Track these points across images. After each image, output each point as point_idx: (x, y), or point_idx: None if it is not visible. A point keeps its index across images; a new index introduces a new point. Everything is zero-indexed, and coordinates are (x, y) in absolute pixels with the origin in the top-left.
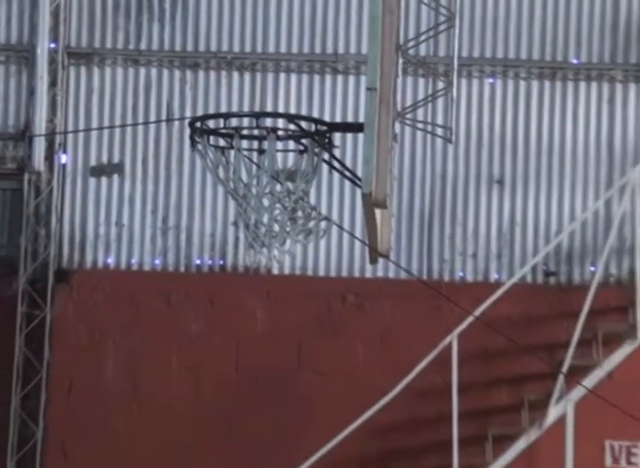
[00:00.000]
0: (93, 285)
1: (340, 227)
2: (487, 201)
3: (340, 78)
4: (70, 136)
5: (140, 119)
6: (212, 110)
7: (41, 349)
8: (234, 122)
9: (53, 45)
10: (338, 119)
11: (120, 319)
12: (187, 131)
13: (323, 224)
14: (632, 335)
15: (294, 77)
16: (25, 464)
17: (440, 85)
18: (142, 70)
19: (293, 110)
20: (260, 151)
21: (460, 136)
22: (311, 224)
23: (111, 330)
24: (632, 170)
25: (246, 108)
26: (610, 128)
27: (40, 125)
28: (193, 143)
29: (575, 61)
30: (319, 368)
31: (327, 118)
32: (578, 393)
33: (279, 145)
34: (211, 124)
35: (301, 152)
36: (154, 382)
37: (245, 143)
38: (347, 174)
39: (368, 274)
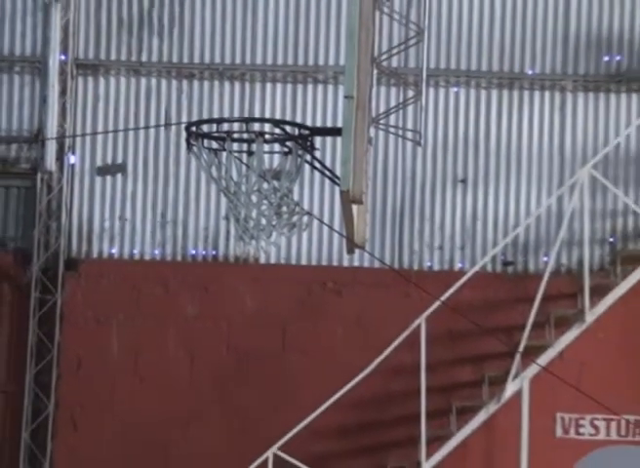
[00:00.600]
0: (99, 273)
1: (321, 221)
2: (452, 198)
3: (320, 87)
4: (79, 140)
5: (142, 124)
6: (205, 116)
7: (52, 330)
8: (226, 126)
9: (63, 57)
10: (318, 124)
11: (123, 303)
12: (184, 134)
13: (305, 219)
14: (580, 319)
15: (279, 86)
16: (38, 435)
17: (410, 93)
18: (143, 80)
19: (278, 116)
20: (249, 153)
21: (427, 139)
22: (295, 219)
23: (115, 313)
24: (581, 170)
25: (236, 114)
26: (561, 133)
27: (51, 129)
28: (189, 146)
29: (530, 72)
30: (302, 347)
31: (309, 123)
32: (532, 370)
33: (266, 148)
34: (205, 128)
35: (286, 154)
36: (154, 360)
37: (235, 146)
38: (327, 173)
39: (345, 263)
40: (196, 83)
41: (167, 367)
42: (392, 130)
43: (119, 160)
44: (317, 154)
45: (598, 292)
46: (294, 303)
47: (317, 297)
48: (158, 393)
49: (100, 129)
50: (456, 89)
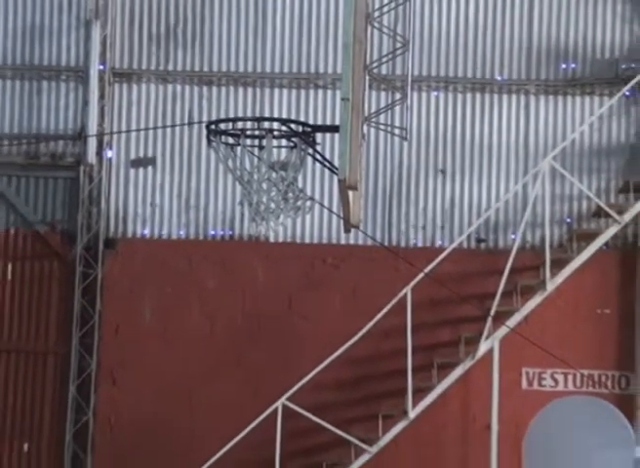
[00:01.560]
0: (133, 250)
1: (322, 205)
2: (433, 186)
3: (320, 91)
4: (115, 137)
5: (169, 123)
6: (222, 116)
7: (94, 300)
8: (240, 125)
9: (101, 67)
10: (319, 122)
11: (153, 277)
12: (204, 132)
13: (308, 203)
14: (542, 288)
15: (285, 91)
16: (83, 389)
17: (397, 96)
18: (170, 86)
19: (284, 116)
20: (260, 147)
21: (412, 135)
22: (299, 203)
23: (147, 285)
24: (542, 161)
25: (249, 114)
26: (525, 130)
27: (92, 128)
28: (209, 141)
29: (498, 78)
30: (305, 313)
31: (311, 122)
32: (501, 332)
33: (274, 143)
34: (222, 126)
35: (292, 148)
36: (179, 324)
37: (248, 141)
38: (327, 164)
39: (342, 241)
40: (215, 88)
41: (190, 330)
42: (382, 127)
43: (150, 154)
44: (318, 148)
45: (557, 265)
46: (298, 276)
47: (318, 271)
48: (183, 352)
49: (133, 127)
50: (436, 92)
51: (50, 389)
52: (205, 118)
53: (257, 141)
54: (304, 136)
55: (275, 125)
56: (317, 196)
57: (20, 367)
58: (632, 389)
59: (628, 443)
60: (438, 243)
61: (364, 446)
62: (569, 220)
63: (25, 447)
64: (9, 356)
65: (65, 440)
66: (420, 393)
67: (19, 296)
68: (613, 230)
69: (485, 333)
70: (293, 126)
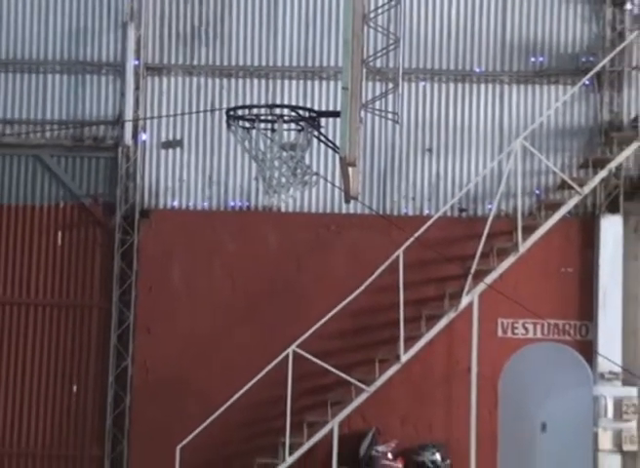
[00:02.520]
0: (164, 219)
1: (325, 179)
2: (421, 162)
3: (324, 82)
4: (148, 122)
5: (194, 110)
6: (240, 104)
7: (131, 262)
8: (255, 111)
9: (136, 62)
10: (323, 109)
11: (182, 242)
12: (224, 118)
13: (314, 178)
14: (515, 250)
15: (294, 82)
16: (122, 338)
17: (390, 86)
18: (195, 79)
19: (293, 103)
20: (272, 130)
21: (403, 119)
22: (306, 178)
23: (176, 249)
24: (515, 141)
25: (263, 102)
26: (500, 114)
27: (128, 115)
28: (229, 126)
29: (477, 70)
30: (312, 273)
31: (316, 108)
32: (480, 287)
33: (285, 126)
34: (240, 112)
35: (299, 131)
36: (205, 284)
37: (262, 125)
38: (330, 144)
39: (343, 211)
40: (233, 80)
41: (213, 287)
42: (377, 112)
43: (178, 137)
44: (322, 131)
45: (527, 231)
46: (306, 241)
47: (323, 237)
48: (207, 306)
49: (163, 114)
50: (423, 83)
51: (95, 338)
52: (225, 106)
53: (269, 125)
54: (310, 120)
55: (285, 111)
56: (321, 172)
57: (69, 319)
58: (591, 336)
59: (587, 382)
60: (426, 212)
61: (363, 386)
62: (537, 192)
63: (74, 388)
64: (60, 310)
65: (108, 381)
66: (410, 340)
67: (68, 260)
68: (575, 200)
69: (466, 289)
70: (300, 112)
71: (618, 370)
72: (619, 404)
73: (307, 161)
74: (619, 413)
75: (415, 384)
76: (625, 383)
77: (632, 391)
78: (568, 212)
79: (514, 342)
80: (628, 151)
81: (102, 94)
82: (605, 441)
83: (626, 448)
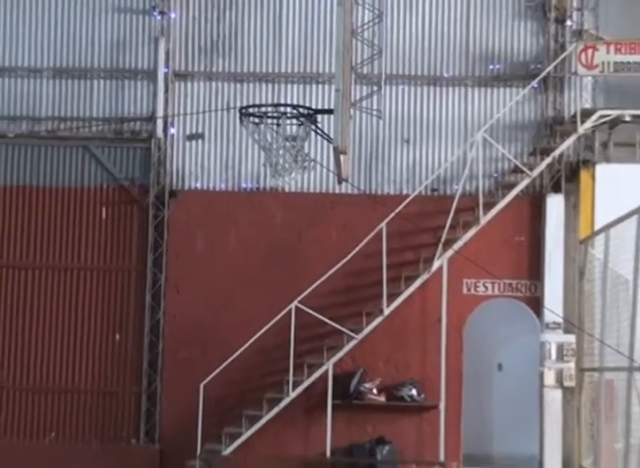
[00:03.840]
0: (189, 199)
1: (321, 165)
2: (400, 151)
3: (320, 85)
4: (175, 118)
5: (213, 108)
6: (251, 103)
7: (162, 233)
8: (263, 109)
9: (166, 70)
10: (319, 107)
11: (203, 217)
12: (238, 115)
13: (312, 164)
14: (477, 223)
15: (295, 85)
16: (156, 295)
17: (375, 88)
18: (214, 83)
19: (295, 103)
20: (278, 124)
21: (385, 115)
22: (305, 164)
23: (199, 223)
24: (477, 134)
25: (269, 102)
26: (465, 112)
27: (159, 112)
28: (241, 121)
29: (446, 75)
30: (311, 241)
31: (313, 106)
32: (449, 253)
33: (287, 122)
34: (250, 111)
35: (300, 125)
36: (222, 250)
37: (269, 121)
38: (325, 136)
39: (337, 191)
40: (245, 84)
41: (229, 255)
42: (364, 110)
43: (200, 131)
44: (319, 125)
45: (487, 207)
46: (306, 216)
47: (319, 212)
48: (224, 270)
49: (188, 112)
50: (402, 86)
51: (133, 296)
52: (238, 105)
53: (275, 121)
54: (309, 116)
55: (288, 109)
56: (318, 158)
57: (112, 281)
58: (538, 293)
59: (535, 331)
60: (404, 191)
61: (352, 334)
62: (495, 175)
63: (117, 336)
64: (104, 273)
65: (144, 331)
66: (391, 297)
67: (110, 232)
68: (525, 182)
69: (437, 255)
70: (300, 109)
71: (560, 320)
72: (560, 348)
73: (306, 150)
74: (560, 356)
75: (395, 333)
76: (566, 331)
77: (571, 338)
78: (520, 191)
79: (476, 298)
80: (569, 142)
81: (138, 95)
82: (549, 378)
83: (566, 384)
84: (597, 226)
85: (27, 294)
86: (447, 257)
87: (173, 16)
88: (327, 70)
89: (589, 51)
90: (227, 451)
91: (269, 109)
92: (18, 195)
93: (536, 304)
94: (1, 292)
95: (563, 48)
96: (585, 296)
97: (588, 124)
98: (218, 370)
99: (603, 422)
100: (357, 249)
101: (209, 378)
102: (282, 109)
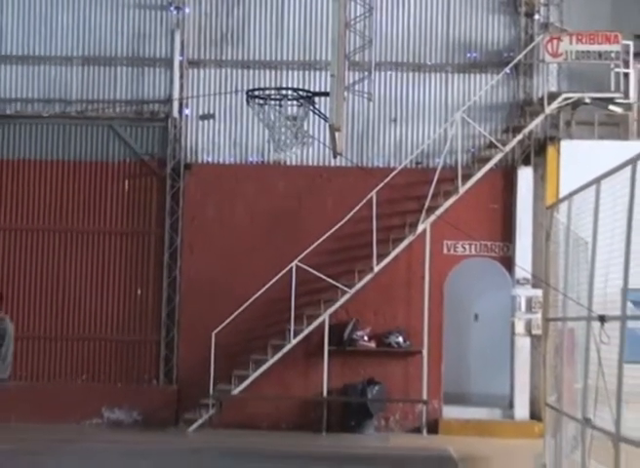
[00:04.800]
0: (201, 171)
1: (318, 141)
2: (389, 128)
3: (318, 71)
4: (190, 101)
5: (222, 92)
6: (256, 87)
7: (178, 201)
8: (267, 92)
9: (181, 58)
10: (317, 90)
11: (214, 188)
12: (245, 97)
13: (310, 140)
14: (456, 192)
15: (296, 71)
16: (172, 255)
17: (365, 74)
18: (223, 70)
19: (295, 86)
20: (280, 105)
21: (375, 97)
22: (304, 140)
23: (211, 192)
24: (456, 114)
25: (273, 85)
26: (446, 94)
27: (175, 95)
28: (248, 102)
29: (429, 63)
30: (309, 208)
31: (311, 90)
32: (431, 218)
33: (289, 103)
34: (256, 93)
35: (299, 106)
36: (230, 217)
37: (272, 102)
38: (322, 116)
39: (332, 164)
40: (251, 70)
41: (237, 220)
42: (356, 93)
43: (211, 111)
44: (316, 106)
45: (465, 178)
46: (305, 186)
47: (317, 182)
48: (233, 234)
49: (200, 95)
50: (390, 72)
51: (152, 256)
52: (245, 88)
53: (278, 102)
54: (307, 98)
55: (289, 92)
56: (316, 135)
57: (134, 242)
58: (510, 253)
59: (507, 286)
60: (392, 164)
61: (346, 289)
62: (472, 150)
63: (139, 291)
64: (127, 236)
65: (163, 286)
66: (380, 256)
67: (132, 200)
68: (499, 156)
69: (421, 219)
70: (300, 92)
71: (529, 277)
72: (529, 301)
73: (305, 127)
74: (529, 308)
75: (384, 288)
76: (534, 286)
77: (539, 292)
78: (494, 164)
79: (455, 258)
80: (537, 121)
81: (157, 80)
82: (519, 327)
83: (534, 332)
84: (561, 194)
85: (60, 255)
86: (429, 222)
87: (187, 10)
88: (323, 58)
89: (555, 41)
90: (236, 391)
91: (272, 92)
92: (51, 168)
93: (508, 263)
94: (38, 253)
95: (532, 38)
96: (551, 256)
97: (554, 105)
98: (227, 321)
99: (565, 365)
100: (350, 214)
101: (220, 327)
102: (284, 92)
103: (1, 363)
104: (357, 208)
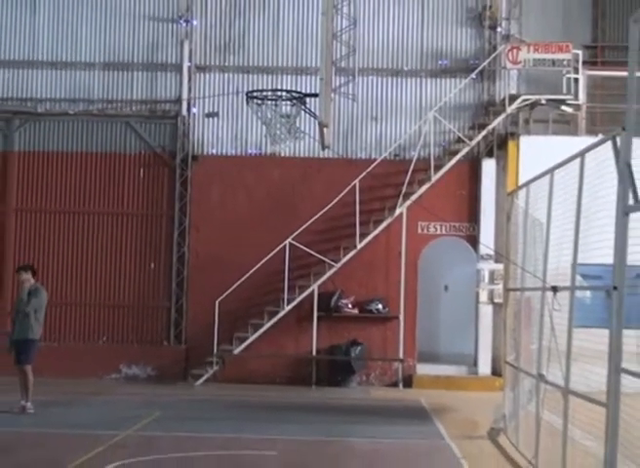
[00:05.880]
0: (207, 162)
1: (309, 136)
2: (370, 125)
3: (309, 76)
4: (197, 101)
5: (225, 93)
6: (255, 88)
7: (186, 187)
8: (264, 93)
9: (189, 64)
10: (308, 91)
11: (218, 176)
12: (245, 97)
13: (302, 135)
14: (429, 180)
15: (290, 76)
16: (181, 234)
17: (350, 78)
18: (226, 74)
19: (289, 88)
20: (276, 105)
21: (358, 98)
22: (297, 135)
23: (215, 180)
24: (429, 113)
25: (269, 87)
26: (420, 96)
27: (184, 96)
28: (248, 102)
29: (405, 68)
30: (301, 193)
31: (303, 91)
32: (407, 202)
33: (283, 103)
34: (255, 94)
35: (293, 105)
36: (232, 202)
37: (269, 102)
38: (312, 114)
39: (321, 155)
40: (250, 75)
41: (238, 204)
42: (342, 94)
43: (215, 110)
44: (307, 105)
45: (437, 168)
46: (297, 175)
47: (308, 172)
48: (234, 215)
49: (206, 96)
50: (371, 77)
51: (164, 234)
52: (245, 90)
53: (273, 102)
54: (300, 99)
55: (284, 93)
56: (306, 130)
57: (148, 223)
58: (475, 232)
59: (473, 261)
60: (373, 156)
61: (333, 263)
62: (443, 144)
63: (152, 265)
64: (142, 217)
65: (173, 260)
66: (363, 235)
67: (147, 186)
68: (466, 149)
69: (398, 204)
70: (293, 94)
71: (491, 253)
72: (492, 274)
73: (297, 124)
74: (492, 280)
75: (366, 263)
76: (496, 261)
77: (500, 266)
78: (462, 156)
79: (428, 237)
80: (499, 119)
81: (168, 83)
82: (483, 296)
83: (496, 300)
84: (520, 182)
85: (84, 234)
86: (406, 206)
87: (194, 23)
88: (313, 64)
89: (514, 50)
90: (237, 351)
91: (269, 93)
92: (76, 159)
93: (473, 241)
94: (65, 232)
95: (495, 48)
96: (511, 235)
97: (514, 106)
98: (229, 290)
99: (522, 329)
100: (336, 199)
101: (223, 296)
102: (279, 93)
103: (38, 325)
104: (342, 194)
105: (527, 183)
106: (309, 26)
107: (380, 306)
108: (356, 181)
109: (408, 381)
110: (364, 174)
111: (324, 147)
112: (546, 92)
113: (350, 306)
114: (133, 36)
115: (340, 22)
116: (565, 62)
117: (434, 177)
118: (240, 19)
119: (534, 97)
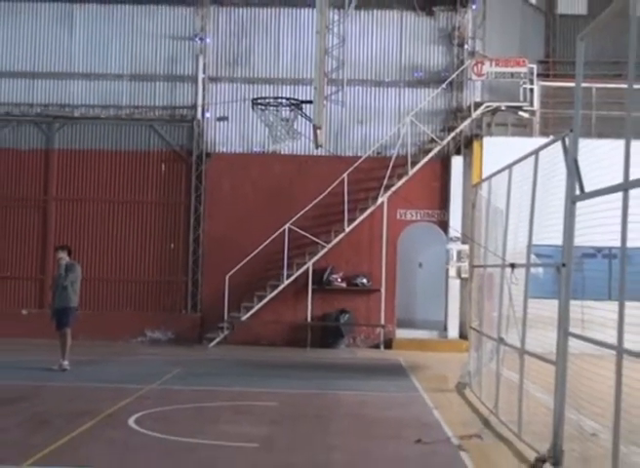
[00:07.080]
0: (218, 158)
1: (305, 136)
2: (357, 128)
3: (305, 85)
4: (210, 106)
5: (234, 102)
6: (259, 96)
7: (201, 180)
8: (267, 100)
9: (203, 75)
10: (304, 99)
11: (228, 171)
12: (250, 104)
13: (299, 136)
14: (406, 174)
15: (289, 86)
16: (196, 220)
17: (340, 87)
18: (234, 84)
19: (288, 96)
20: (277, 110)
21: (346, 105)
22: (294, 135)
23: (225, 174)
24: (407, 117)
25: (271, 95)
26: (399, 104)
27: (199, 103)
28: (253, 107)
29: (386, 80)
30: (298, 187)
31: (300, 98)
32: (388, 193)
33: (283, 108)
34: (259, 101)
35: (291, 111)
36: (240, 192)
37: (272, 108)
38: (307, 117)
39: (315, 153)
40: (255, 85)
41: (244, 194)
42: (333, 101)
43: (226, 114)
44: (304, 111)
45: (413, 164)
46: (295, 170)
47: (304, 168)
48: (241, 204)
49: (218, 102)
50: (357, 86)
51: (182, 220)
52: (250, 97)
53: (275, 108)
54: (297, 105)
55: (284, 101)
56: (302, 132)
57: (169, 210)
58: (446, 218)
59: (443, 242)
60: (359, 154)
61: (325, 244)
62: (419, 144)
63: (172, 245)
64: (163, 205)
65: (189, 241)
66: (350, 220)
67: (167, 179)
68: (438, 148)
69: (380, 194)
70: (292, 101)
71: (459, 235)
72: (459, 253)
73: (295, 126)
74: (459, 258)
75: (353, 244)
76: (463, 242)
77: (466, 246)
78: (434, 154)
79: (406, 222)
80: (466, 123)
81: (185, 92)
82: (452, 272)
83: (463, 276)
84: (484, 176)
85: (112, 220)
86: (387, 196)
87: (208, 41)
88: (309, 75)
89: (479, 65)
90: (244, 318)
91: (271, 101)
92: (107, 156)
93: (444, 225)
94: (98, 217)
95: (462, 62)
96: (475, 220)
97: (478, 111)
98: (237, 267)
99: (485, 299)
100: (328, 190)
101: (232, 272)
102: (279, 100)
103: (75, 295)
104: (333, 185)
105: (489, 177)
106: (305, 44)
107: (364, 280)
108: (345, 175)
109: (388, 344)
110: (351, 168)
111: (317, 146)
112: (506, 100)
113: (340, 280)
114: (155, 52)
115: (332, 40)
116: (522, 75)
117: (411, 172)
118: (246, 37)
119: (495, 105)
